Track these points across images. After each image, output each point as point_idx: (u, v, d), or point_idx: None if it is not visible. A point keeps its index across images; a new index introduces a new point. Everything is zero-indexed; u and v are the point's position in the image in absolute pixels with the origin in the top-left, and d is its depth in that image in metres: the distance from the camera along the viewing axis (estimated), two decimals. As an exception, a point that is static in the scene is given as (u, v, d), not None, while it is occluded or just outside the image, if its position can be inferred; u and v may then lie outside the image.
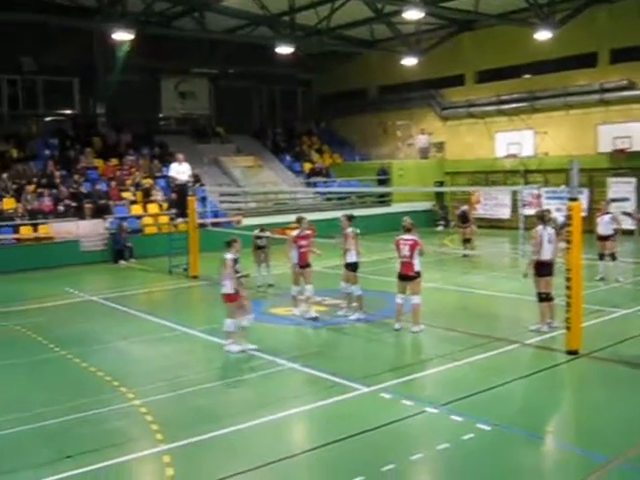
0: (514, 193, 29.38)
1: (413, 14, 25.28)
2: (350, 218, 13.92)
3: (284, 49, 27.40)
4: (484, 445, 7.65)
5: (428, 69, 32.52)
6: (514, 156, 30.33)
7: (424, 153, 34.52)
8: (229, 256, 11.52)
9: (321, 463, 7.46)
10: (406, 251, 12.51)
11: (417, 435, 8.16)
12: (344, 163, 35.85)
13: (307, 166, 34.25)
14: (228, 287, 11.50)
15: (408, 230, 12.78)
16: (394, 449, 7.59)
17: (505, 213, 31.09)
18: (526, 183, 29.12)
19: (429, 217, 31.92)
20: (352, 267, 13.65)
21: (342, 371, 10.27)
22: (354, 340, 12.69)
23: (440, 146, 34.63)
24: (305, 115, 40.49)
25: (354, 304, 13.85)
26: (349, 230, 13.68)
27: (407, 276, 12.58)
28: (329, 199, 31.31)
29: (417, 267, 12.50)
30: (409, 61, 31.22)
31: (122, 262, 23.46)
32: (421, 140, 34.65)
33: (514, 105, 31.01)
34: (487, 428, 7.98)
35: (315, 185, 31.98)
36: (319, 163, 34.71)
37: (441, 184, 32.68)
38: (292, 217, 16.55)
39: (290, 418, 8.70)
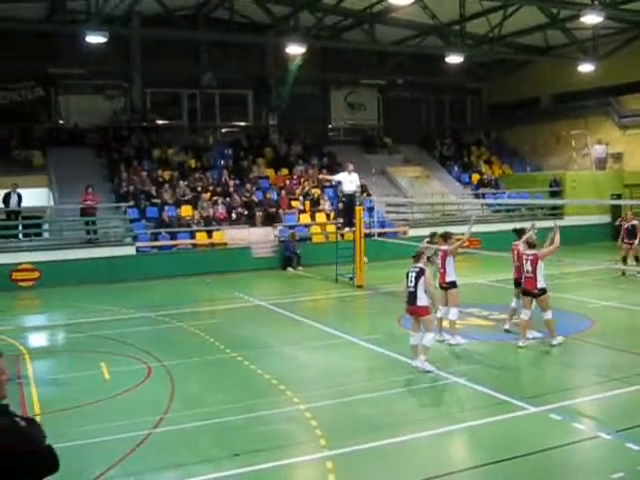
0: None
1: (592, 18, 24.11)
2: (518, 232, 13.46)
3: (454, 59, 27.12)
4: (664, 477, 7.12)
5: (605, 75, 30.91)
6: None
7: (600, 164, 32.86)
8: (425, 267, 11.16)
9: (485, 482, 7.26)
10: (529, 266, 12.06)
11: (589, 461, 7.74)
12: (514, 174, 34.85)
13: (475, 177, 33.62)
14: (425, 300, 10.99)
15: (532, 245, 12.38)
16: (563, 474, 7.24)
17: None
18: None
19: (602, 231, 30.14)
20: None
21: (508, 389, 9.93)
22: (519, 357, 12.22)
23: (618, 156, 32.82)
24: (474, 125, 39.82)
25: (514, 320, 13.31)
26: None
27: (531, 292, 12.19)
28: (497, 211, 30.57)
29: (541, 284, 12.03)
30: (585, 67, 29.84)
31: (290, 269, 24.11)
32: (597, 150, 33.03)
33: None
34: (668, 459, 7.43)
35: (484, 197, 31.34)
36: (488, 174, 33.97)
37: (618, 197, 30.93)
38: (460, 229, 16.30)
39: (453, 433, 8.53)
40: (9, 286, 20.82)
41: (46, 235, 24.82)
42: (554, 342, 12.20)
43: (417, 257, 11.26)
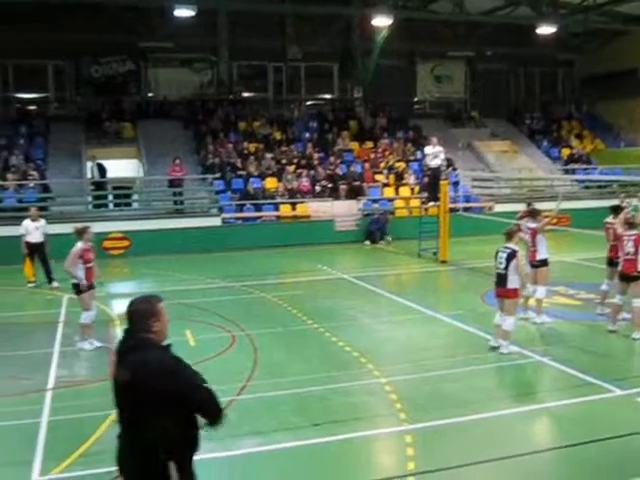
0: None
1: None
2: (615, 209, 12.77)
3: (545, 29, 26.28)
4: None
5: None
6: None
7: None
8: (517, 248, 10.58)
9: (565, 464, 7.14)
10: (630, 247, 11.16)
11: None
12: (607, 150, 33.62)
13: (565, 152, 32.59)
14: (516, 282, 10.53)
15: (632, 225, 11.38)
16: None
17: None
18: None
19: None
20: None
21: (594, 370, 9.68)
22: (608, 339, 11.79)
23: None
24: (565, 98, 38.54)
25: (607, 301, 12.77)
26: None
27: (629, 275, 11.30)
28: (588, 187, 29.61)
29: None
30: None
31: (367, 243, 23.99)
32: (697, 125, 31.52)
33: None
34: None
35: (574, 172, 30.40)
36: (579, 149, 32.90)
37: None
38: (548, 205, 15.90)
39: (535, 413, 8.40)
40: (100, 254, 21.27)
41: (135, 205, 25.55)
42: (636, 336, 11.32)
43: (509, 236, 10.70)
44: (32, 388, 9.40)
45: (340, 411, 8.37)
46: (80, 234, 11.43)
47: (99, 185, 25.31)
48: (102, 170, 25.22)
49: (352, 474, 6.83)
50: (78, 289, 11.39)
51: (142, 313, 4.33)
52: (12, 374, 10.04)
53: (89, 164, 25.34)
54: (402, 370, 9.88)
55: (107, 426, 7.93)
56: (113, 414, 8.18)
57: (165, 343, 4.33)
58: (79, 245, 11.29)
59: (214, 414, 4.16)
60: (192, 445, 4.29)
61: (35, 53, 28.92)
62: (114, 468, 6.75)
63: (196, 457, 4.33)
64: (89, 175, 25.00)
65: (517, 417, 8.19)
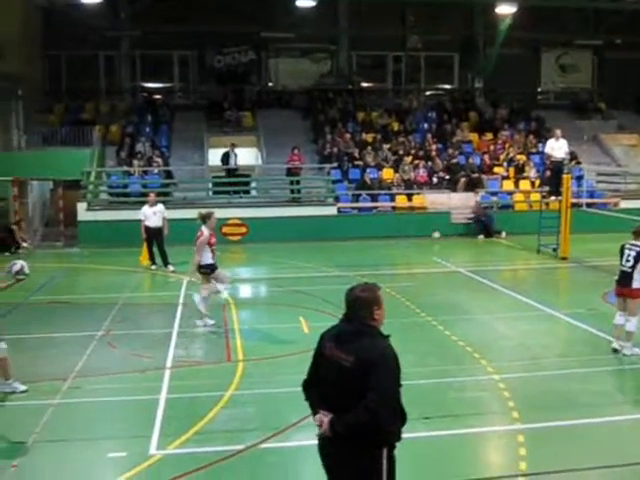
0: None
1: None
2: None
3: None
4: None
5: None
6: None
7: None
8: None
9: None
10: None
11: None
12: None
13: (700, 146, 30.79)
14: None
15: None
16: None
17: None
18: None
19: None
20: None
21: None
22: None
23: None
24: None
25: None
26: None
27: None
28: None
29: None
30: None
31: (481, 237, 23.46)
32: None
33: None
34: None
35: None
36: None
37: None
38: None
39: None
40: (219, 239, 22.06)
41: (254, 193, 26.07)
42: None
43: (638, 234, 10.01)
44: (152, 366, 9.78)
45: (452, 406, 8.26)
46: (205, 219, 11.88)
47: (232, 172, 25.92)
48: (236, 158, 25.81)
49: (461, 470, 6.72)
50: (204, 270, 11.82)
51: (365, 301, 4.44)
52: (134, 352, 10.49)
53: (225, 150, 25.84)
54: (517, 368, 9.63)
55: (221, 407, 8.18)
56: (227, 394, 8.46)
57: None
58: (206, 232, 11.74)
59: (367, 420, 4.19)
60: (399, 433, 4.42)
61: (161, 44, 30.03)
62: (227, 447, 7.01)
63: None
64: (231, 162, 25.59)
65: (635, 423, 7.80)
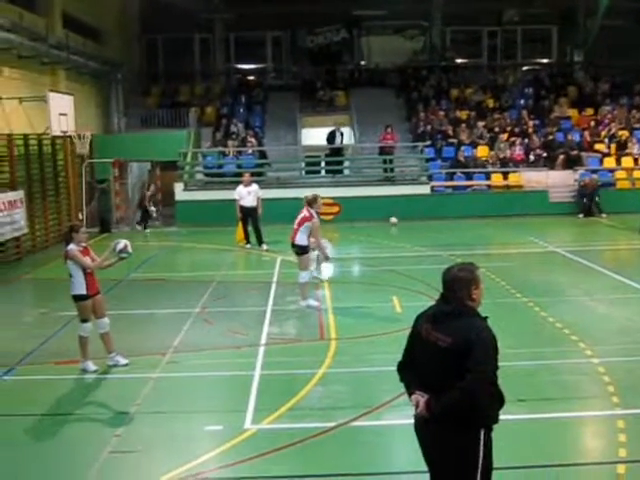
0: None
1: None
2: None
3: None
4: None
5: None
6: None
7: None
8: None
9: None
10: None
11: None
12: None
13: None
14: None
15: None
16: None
17: None
18: None
19: None
20: None
21: None
22: None
23: None
24: None
25: None
26: None
27: None
28: None
29: None
30: None
31: (580, 216, 22.67)
32: None
33: None
34: None
35: None
36: None
37: None
38: None
39: None
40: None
41: (346, 172, 26.07)
42: None
43: None
44: (246, 343, 9.97)
45: (548, 389, 8.08)
46: (311, 203, 12.01)
47: (338, 151, 25.97)
48: (342, 137, 25.86)
49: (557, 454, 6.55)
50: (305, 251, 11.95)
51: (463, 281, 4.41)
52: (229, 328, 10.71)
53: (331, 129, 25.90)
54: (617, 351, 9.30)
55: (313, 384, 8.26)
56: (320, 372, 8.53)
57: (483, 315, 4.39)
58: (316, 219, 11.91)
59: (464, 402, 4.16)
60: (496, 415, 4.41)
61: (254, 26, 30.31)
62: (320, 424, 7.08)
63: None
64: (337, 141, 25.66)
65: None
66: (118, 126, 26.96)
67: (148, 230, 22.03)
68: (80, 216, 10.57)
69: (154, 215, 22.91)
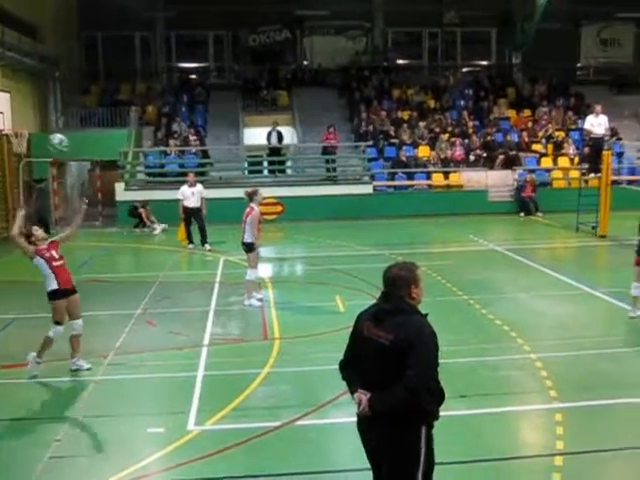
0: None
1: None
2: None
3: None
4: None
5: None
6: None
7: None
8: None
9: None
10: None
11: None
12: None
13: None
14: None
15: None
16: None
17: None
18: None
19: None
20: None
21: None
22: None
23: None
24: None
25: None
26: None
27: None
28: None
29: None
30: None
31: (521, 215, 23.21)
32: None
33: None
34: None
35: None
36: None
37: None
38: None
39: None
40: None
41: (289, 172, 26.07)
42: None
43: None
44: (189, 343, 9.90)
45: (488, 384, 8.24)
46: (251, 196, 12.03)
47: (276, 151, 25.88)
48: (280, 137, 25.73)
49: (497, 448, 6.70)
50: (251, 248, 11.92)
51: (403, 279, 4.45)
52: (171, 329, 10.62)
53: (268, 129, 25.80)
54: (554, 347, 9.54)
55: (258, 384, 8.25)
56: (264, 372, 8.53)
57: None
58: (256, 208, 11.91)
59: (407, 399, 4.21)
60: (437, 411, 4.47)
61: (196, 25, 30.06)
62: (264, 424, 7.08)
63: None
64: (272, 141, 25.56)
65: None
66: (56, 125, 26.38)
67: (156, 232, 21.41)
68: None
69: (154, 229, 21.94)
